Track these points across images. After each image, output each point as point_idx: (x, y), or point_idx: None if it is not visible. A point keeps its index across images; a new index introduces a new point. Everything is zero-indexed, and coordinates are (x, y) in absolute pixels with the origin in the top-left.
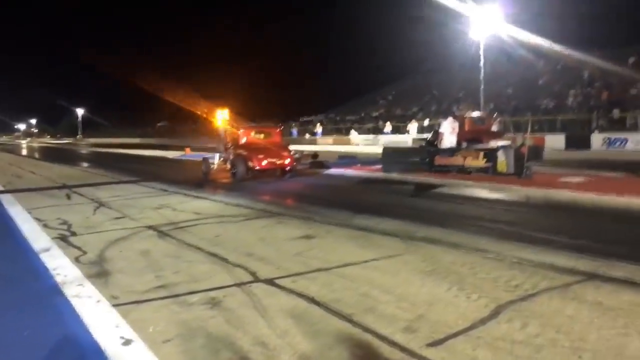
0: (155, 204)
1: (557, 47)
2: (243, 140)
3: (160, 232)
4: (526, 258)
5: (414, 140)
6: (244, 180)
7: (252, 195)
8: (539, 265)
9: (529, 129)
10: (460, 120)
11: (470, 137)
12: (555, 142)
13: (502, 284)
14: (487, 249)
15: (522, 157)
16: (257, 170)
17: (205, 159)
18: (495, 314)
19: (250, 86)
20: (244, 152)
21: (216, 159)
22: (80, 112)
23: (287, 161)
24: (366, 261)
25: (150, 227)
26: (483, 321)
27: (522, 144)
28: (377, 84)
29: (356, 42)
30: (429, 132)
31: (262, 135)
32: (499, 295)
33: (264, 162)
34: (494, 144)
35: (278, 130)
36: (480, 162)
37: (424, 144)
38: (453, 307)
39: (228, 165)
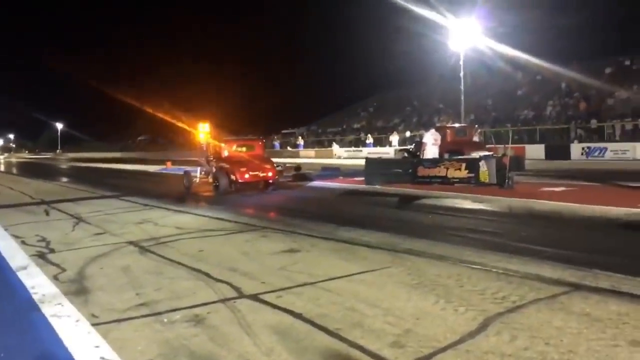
0: (137, 219)
1: (535, 60)
2: (225, 153)
3: (142, 247)
4: (512, 269)
5: (396, 151)
6: (227, 193)
7: (235, 209)
8: (525, 276)
9: (510, 140)
10: (443, 131)
11: (453, 148)
12: (535, 152)
13: (489, 295)
14: (472, 261)
15: (504, 168)
16: (240, 183)
17: (187, 172)
18: (483, 326)
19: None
20: (226, 165)
21: (198, 173)
22: (59, 126)
23: (270, 174)
24: (351, 274)
25: (131, 243)
26: (471, 334)
27: (504, 154)
28: (359, 96)
29: (337, 54)
30: (411, 143)
31: (244, 148)
32: (486, 308)
33: (247, 175)
34: (476, 154)
35: (260, 143)
36: (463, 172)
37: (406, 155)
38: (441, 321)
39: (210, 179)
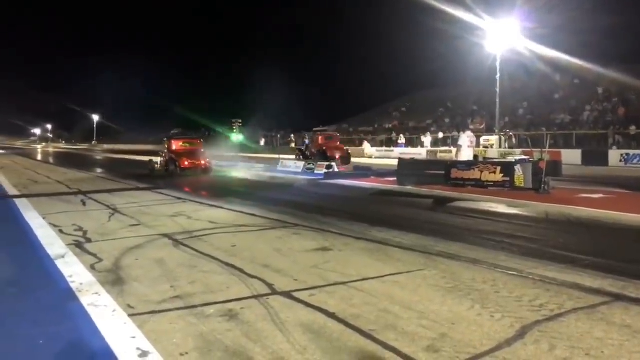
0: (170, 212)
1: (574, 60)
2: (174, 147)
3: (176, 240)
4: (549, 276)
5: (429, 152)
6: (173, 175)
7: (266, 205)
8: (563, 284)
9: (547, 144)
10: (316, 135)
11: (320, 149)
12: (571, 157)
13: (526, 303)
14: (508, 266)
15: (540, 172)
16: (181, 168)
17: (150, 161)
18: (521, 334)
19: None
20: (174, 156)
21: (159, 161)
22: (95, 118)
23: (203, 162)
24: (385, 275)
25: (165, 236)
26: (509, 342)
27: (541, 159)
28: (391, 96)
29: (371, 54)
30: (444, 144)
31: (188, 145)
32: (523, 315)
33: (187, 163)
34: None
35: (199, 141)
36: (498, 176)
37: (299, 153)
38: (477, 327)
39: (161, 165)
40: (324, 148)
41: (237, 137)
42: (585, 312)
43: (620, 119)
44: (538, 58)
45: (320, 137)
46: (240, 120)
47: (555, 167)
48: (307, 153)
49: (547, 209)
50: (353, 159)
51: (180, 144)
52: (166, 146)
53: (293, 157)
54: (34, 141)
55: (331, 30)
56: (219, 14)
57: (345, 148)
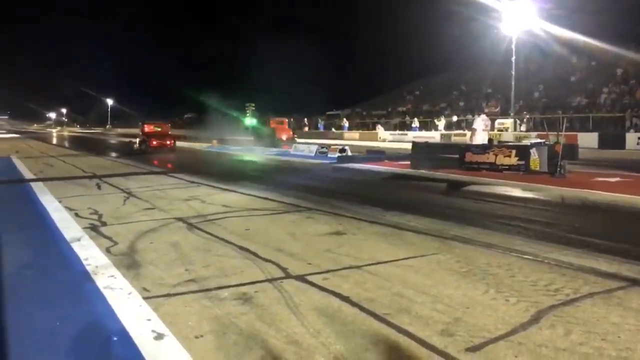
0: (184, 196)
1: (592, 41)
2: (146, 130)
3: (190, 224)
4: (565, 261)
5: (443, 136)
6: (145, 153)
7: (280, 189)
8: (579, 268)
9: (563, 127)
10: (148, 127)
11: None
12: (587, 140)
13: (541, 287)
14: (523, 250)
15: (556, 156)
16: (151, 147)
17: (130, 141)
18: (536, 319)
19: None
20: (145, 138)
21: (137, 141)
22: (109, 102)
23: (169, 142)
24: (398, 259)
25: (179, 219)
26: (524, 326)
27: (557, 142)
28: (405, 79)
29: (384, 37)
30: (458, 128)
31: (158, 129)
32: (539, 300)
33: (155, 143)
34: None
35: (168, 125)
36: (513, 160)
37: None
38: (491, 311)
39: (138, 145)
40: (274, 130)
41: (250, 121)
42: (602, 296)
43: (638, 102)
44: (554, 40)
45: (272, 122)
46: (254, 105)
47: (571, 151)
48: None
49: (563, 193)
50: (367, 143)
51: (152, 127)
52: (140, 130)
53: (306, 140)
54: (49, 125)
55: (344, 14)
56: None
57: (292, 132)
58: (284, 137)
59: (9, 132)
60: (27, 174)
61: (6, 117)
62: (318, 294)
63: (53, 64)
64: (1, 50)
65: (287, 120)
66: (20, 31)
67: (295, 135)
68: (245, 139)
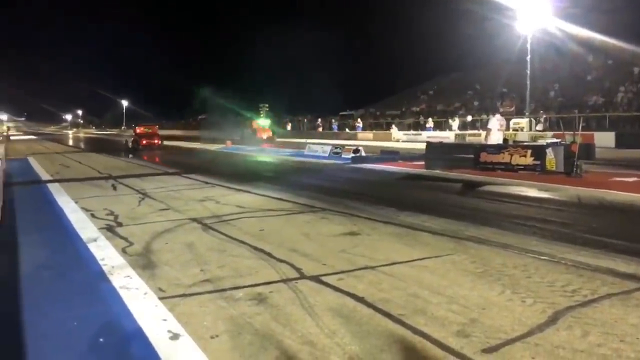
0: (199, 196)
1: (608, 40)
2: (137, 131)
3: (205, 225)
4: (582, 262)
5: (457, 135)
6: (137, 150)
7: (294, 190)
8: (597, 269)
9: (579, 126)
10: (251, 123)
11: (253, 131)
12: (604, 140)
13: (558, 288)
14: (539, 251)
15: (573, 155)
16: (141, 145)
17: (126, 141)
18: (553, 320)
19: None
20: (137, 137)
21: (130, 140)
22: (124, 103)
23: (156, 141)
24: (413, 260)
25: (194, 220)
26: (540, 327)
27: (573, 142)
28: (419, 79)
29: (396, 36)
30: (472, 127)
31: (148, 130)
32: (555, 301)
33: (144, 142)
34: (543, 142)
35: (156, 126)
36: (528, 159)
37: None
38: (508, 312)
39: (131, 144)
40: (255, 130)
41: (264, 121)
42: (620, 297)
43: None
44: (570, 38)
45: (253, 123)
46: (267, 105)
47: (587, 150)
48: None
49: (580, 193)
50: (380, 143)
51: (143, 129)
52: (133, 131)
53: (319, 141)
54: (65, 127)
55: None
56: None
57: (271, 132)
58: (264, 137)
59: (25, 133)
60: (44, 175)
61: (23, 119)
62: (333, 294)
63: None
64: (18, 53)
65: (269, 121)
66: (36, 33)
67: (274, 135)
68: (260, 139)
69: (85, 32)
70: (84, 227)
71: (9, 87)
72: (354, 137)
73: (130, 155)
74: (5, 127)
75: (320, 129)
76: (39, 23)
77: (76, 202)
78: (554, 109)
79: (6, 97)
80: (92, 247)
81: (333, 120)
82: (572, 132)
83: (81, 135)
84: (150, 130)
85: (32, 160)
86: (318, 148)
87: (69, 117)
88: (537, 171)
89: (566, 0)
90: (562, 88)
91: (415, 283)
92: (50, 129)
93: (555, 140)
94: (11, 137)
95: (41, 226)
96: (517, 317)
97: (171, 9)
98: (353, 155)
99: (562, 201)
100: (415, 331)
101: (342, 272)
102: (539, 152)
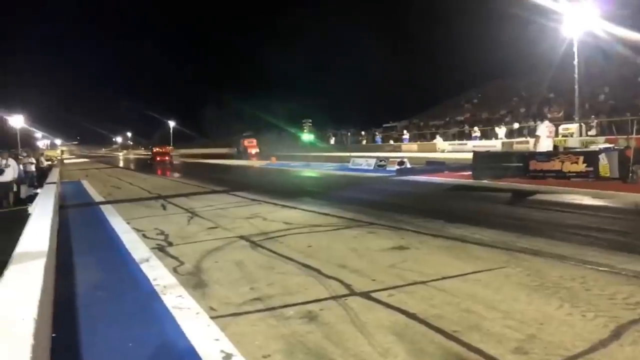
0: (246, 214)
1: None
2: (154, 151)
3: (253, 242)
4: None
5: (504, 144)
6: (153, 165)
7: (340, 204)
8: None
9: (633, 130)
10: (242, 140)
11: (244, 148)
12: None
13: (620, 301)
14: (597, 262)
15: (628, 161)
16: (155, 161)
17: (151, 158)
18: (616, 334)
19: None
20: (153, 155)
21: (151, 157)
22: (171, 124)
23: (167, 158)
24: (465, 274)
25: (242, 237)
26: (603, 343)
27: (627, 146)
28: (462, 87)
29: (438, 45)
30: (519, 135)
31: (162, 150)
32: (618, 314)
33: (158, 159)
34: (596, 147)
35: (169, 148)
36: (580, 166)
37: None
38: (567, 327)
39: (149, 160)
40: (246, 146)
41: (308, 137)
42: None
43: None
44: (618, 40)
45: (244, 140)
46: (311, 121)
47: None
48: (241, 150)
49: (637, 199)
50: (425, 154)
51: (157, 149)
52: (151, 151)
53: (363, 154)
54: (115, 148)
55: (396, 22)
56: (285, 12)
57: (257, 149)
58: (253, 152)
59: (78, 157)
60: (97, 197)
61: (76, 142)
62: (384, 310)
63: (118, 88)
64: (69, 77)
65: (255, 140)
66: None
67: (258, 151)
68: (304, 155)
69: (132, 54)
70: (136, 247)
71: (65, 113)
72: (398, 149)
73: (177, 174)
74: (59, 152)
75: (364, 142)
76: (87, 49)
77: (128, 223)
78: (605, 113)
79: (61, 123)
80: (144, 267)
81: (376, 133)
82: (625, 136)
83: (131, 156)
84: (162, 150)
85: (85, 183)
86: (362, 161)
87: (119, 139)
88: (590, 178)
89: (613, 2)
90: (612, 91)
91: (468, 298)
92: (102, 152)
93: (608, 145)
94: (65, 161)
95: (95, 247)
96: (578, 332)
97: (216, 24)
98: (398, 167)
99: (618, 208)
100: (471, 348)
101: (393, 287)
102: (591, 158)
